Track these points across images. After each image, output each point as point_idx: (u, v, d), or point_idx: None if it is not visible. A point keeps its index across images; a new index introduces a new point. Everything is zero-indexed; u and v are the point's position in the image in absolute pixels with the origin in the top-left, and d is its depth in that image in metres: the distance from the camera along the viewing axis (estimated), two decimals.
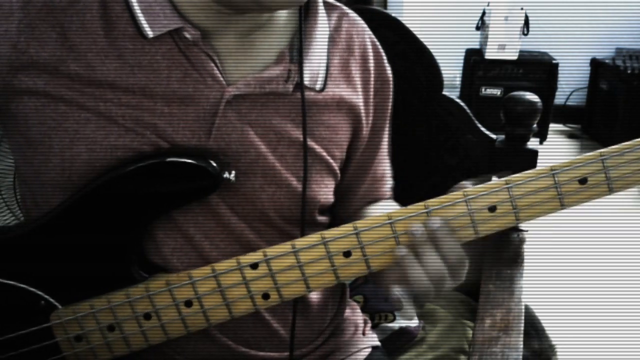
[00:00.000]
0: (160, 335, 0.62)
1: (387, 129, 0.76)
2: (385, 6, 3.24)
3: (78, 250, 0.60)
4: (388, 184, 0.81)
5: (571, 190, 0.56)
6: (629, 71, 3.00)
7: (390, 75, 0.74)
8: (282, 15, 0.63)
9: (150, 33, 0.58)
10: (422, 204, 0.57)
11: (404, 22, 1.01)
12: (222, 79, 0.60)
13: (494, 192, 0.57)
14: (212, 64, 0.59)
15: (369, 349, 0.82)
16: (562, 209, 0.57)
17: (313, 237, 0.58)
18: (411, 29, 1.01)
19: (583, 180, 0.56)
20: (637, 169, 0.56)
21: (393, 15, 1.02)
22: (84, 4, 0.58)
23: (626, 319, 1.85)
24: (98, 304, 0.61)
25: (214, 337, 0.67)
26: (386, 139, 0.77)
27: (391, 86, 0.74)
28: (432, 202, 0.57)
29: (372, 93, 0.71)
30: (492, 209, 0.57)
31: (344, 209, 0.76)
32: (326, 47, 0.66)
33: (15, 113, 0.60)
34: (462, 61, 3.33)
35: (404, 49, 1.01)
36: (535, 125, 0.96)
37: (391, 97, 0.74)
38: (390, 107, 0.75)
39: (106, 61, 0.58)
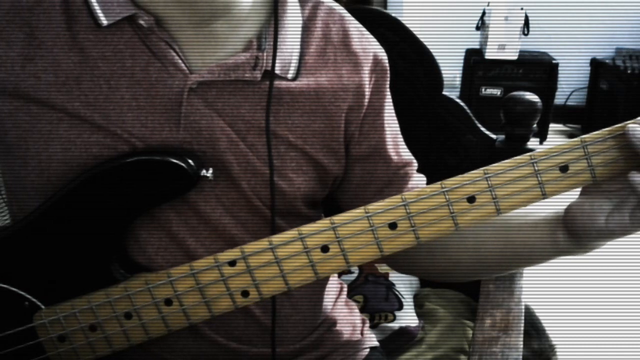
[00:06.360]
0: (141, 335, 0.62)
1: (389, 110, 0.73)
2: (385, 6, 3.25)
3: (60, 251, 0.60)
4: (415, 176, 0.74)
5: (552, 179, 0.55)
6: (629, 71, 3.00)
7: (383, 56, 0.71)
8: (246, 4, 0.62)
9: (104, 21, 0.58)
10: (399, 196, 0.57)
11: (404, 22, 1.01)
12: (184, 67, 0.60)
13: (472, 182, 0.56)
14: (173, 52, 0.59)
15: (367, 350, 0.82)
16: (543, 198, 0.56)
17: (289, 233, 0.58)
18: (411, 29, 1.01)
19: (564, 168, 0.55)
20: (621, 155, 0.54)
21: (393, 15, 1.02)
22: (50, 1, 0.59)
23: (626, 319, 1.85)
24: (79, 304, 0.61)
25: (204, 334, 0.67)
26: (393, 123, 0.74)
27: (386, 66, 0.71)
28: (409, 194, 0.57)
29: (366, 75, 0.69)
30: (471, 199, 0.56)
31: (362, 201, 0.70)
32: (299, 36, 0.66)
33: None
34: (462, 61, 3.33)
35: (404, 49, 1.01)
36: (535, 125, 0.96)
37: (388, 77, 0.72)
38: (387, 88, 0.72)
39: (70, 54, 0.58)
